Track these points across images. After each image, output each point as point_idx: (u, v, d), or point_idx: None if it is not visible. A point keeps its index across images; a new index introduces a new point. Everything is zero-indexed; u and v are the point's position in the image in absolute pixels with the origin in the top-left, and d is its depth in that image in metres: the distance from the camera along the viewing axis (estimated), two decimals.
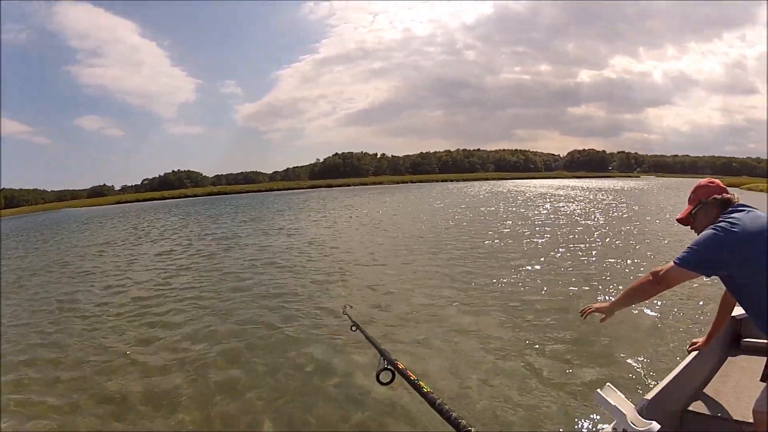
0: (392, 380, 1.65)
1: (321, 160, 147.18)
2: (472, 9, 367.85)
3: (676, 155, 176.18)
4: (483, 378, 5.65)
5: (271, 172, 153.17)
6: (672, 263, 2.60)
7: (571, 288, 9.36)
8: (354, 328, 2.73)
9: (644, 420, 2.33)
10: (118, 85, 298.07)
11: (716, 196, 2.81)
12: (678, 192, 46.95)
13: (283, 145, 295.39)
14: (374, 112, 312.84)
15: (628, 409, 2.36)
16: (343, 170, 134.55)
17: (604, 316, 2.96)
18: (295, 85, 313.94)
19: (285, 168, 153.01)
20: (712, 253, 2.53)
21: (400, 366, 1.74)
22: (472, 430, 1.24)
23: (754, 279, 2.43)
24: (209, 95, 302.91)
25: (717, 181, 2.96)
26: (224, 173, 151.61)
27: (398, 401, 5.04)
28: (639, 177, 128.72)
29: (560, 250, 13.40)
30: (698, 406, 3.21)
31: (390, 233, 18.89)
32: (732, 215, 2.64)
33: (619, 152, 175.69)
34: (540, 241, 15.27)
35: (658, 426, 2.26)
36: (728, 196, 2.82)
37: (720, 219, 2.65)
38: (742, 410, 3.05)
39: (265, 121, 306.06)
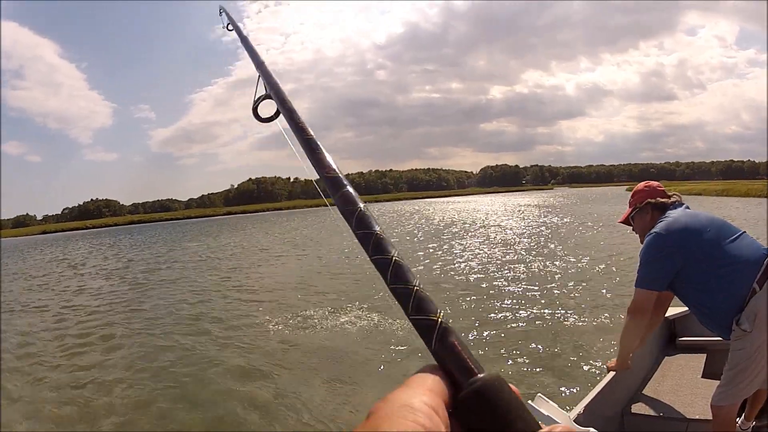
0: (276, 116, 1.01)
1: (235, 186, 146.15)
2: (382, 28, 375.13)
3: (591, 165, 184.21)
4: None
5: (186, 199, 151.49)
6: (635, 289, 2.75)
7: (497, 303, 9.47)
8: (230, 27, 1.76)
9: (581, 427, 1.90)
10: (38, 108, 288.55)
11: (649, 200, 2.89)
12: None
13: (198, 171, 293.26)
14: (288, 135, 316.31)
15: (562, 417, 1.86)
16: (257, 195, 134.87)
17: (619, 364, 3.12)
18: (208, 110, 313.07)
19: (200, 195, 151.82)
20: (659, 263, 2.66)
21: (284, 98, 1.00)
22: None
23: (699, 275, 2.55)
24: (124, 120, 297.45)
25: (654, 183, 3.03)
26: (141, 201, 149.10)
27: None
28: (553, 189, 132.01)
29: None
30: (639, 408, 3.16)
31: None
32: (667, 217, 2.74)
33: (533, 166, 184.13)
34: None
35: None
36: (662, 200, 2.88)
37: (658, 220, 2.77)
38: (684, 407, 3.04)
39: (180, 147, 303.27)
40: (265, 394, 5.99)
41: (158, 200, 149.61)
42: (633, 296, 2.76)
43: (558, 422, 1.44)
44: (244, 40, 1.33)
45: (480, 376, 0.46)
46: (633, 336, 2.95)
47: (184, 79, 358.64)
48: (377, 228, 0.56)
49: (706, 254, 2.54)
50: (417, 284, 0.49)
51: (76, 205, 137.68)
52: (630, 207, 3.08)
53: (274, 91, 0.97)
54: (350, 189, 0.62)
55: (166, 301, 12.49)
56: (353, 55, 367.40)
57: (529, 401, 1.47)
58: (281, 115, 0.92)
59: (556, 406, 1.59)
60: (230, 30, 1.61)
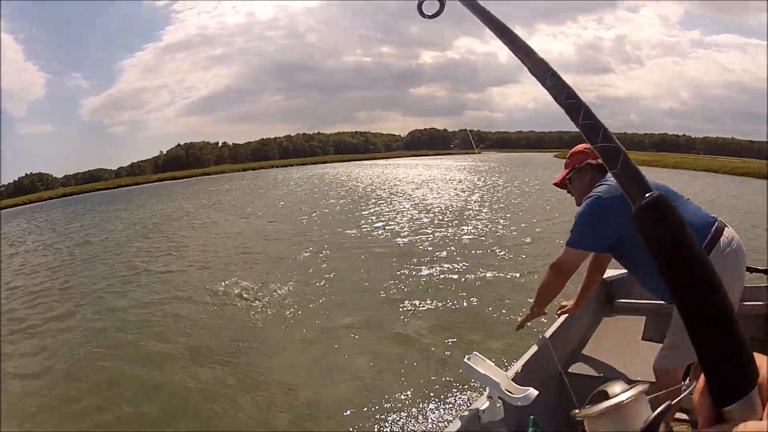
0: (440, 11, 1.16)
1: (164, 153, 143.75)
2: None
3: (521, 131, 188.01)
4: (349, 364, 5.86)
5: (116, 168, 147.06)
6: (565, 247, 2.70)
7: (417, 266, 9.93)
8: None
9: (520, 387, 2.29)
10: None
11: (590, 161, 2.80)
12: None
13: (128, 139, 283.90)
14: (216, 100, 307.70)
15: (500, 376, 2.32)
16: (185, 161, 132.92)
17: (528, 321, 3.12)
18: (137, 76, 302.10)
19: (130, 163, 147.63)
20: (595, 226, 2.58)
21: None
22: None
23: (639, 241, 1.69)
24: (57, 90, 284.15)
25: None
26: (72, 173, 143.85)
27: None
28: (480, 153, 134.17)
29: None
30: (578, 368, 3.19)
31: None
32: (607, 181, 2.64)
33: (461, 130, 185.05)
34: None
35: (536, 392, 2.23)
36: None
37: (598, 184, 2.67)
38: (625, 369, 3.06)
39: (110, 115, 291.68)
40: (175, 375, 6.02)
41: (89, 171, 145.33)
42: (561, 254, 2.74)
43: (495, 380, 2.26)
44: None
45: (654, 192, 0.58)
46: (551, 291, 2.93)
47: (116, 45, 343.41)
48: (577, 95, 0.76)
49: None
50: (603, 125, 0.67)
51: (12, 181, 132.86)
52: (567, 168, 2.97)
53: None
54: (545, 61, 0.80)
55: (98, 272, 12.58)
56: (285, 19, 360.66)
57: (465, 359, 2.36)
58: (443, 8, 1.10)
59: (492, 364, 2.39)
60: None
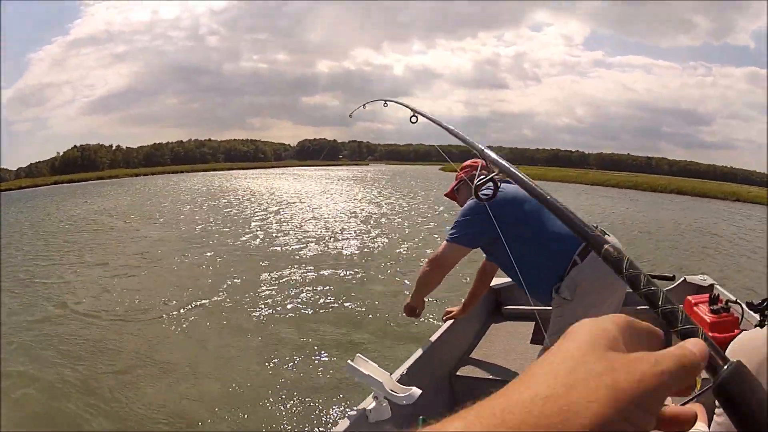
0: (495, 194, 1.28)
1: (60, 154, 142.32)
2: None
3: (410, 144, 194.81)
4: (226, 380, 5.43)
5: (16, 168, 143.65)
6: (444, 242, 2.76)
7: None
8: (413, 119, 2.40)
9: (404, 387, 2.36)
10: None
11: (475, 173, 2.84)
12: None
13: (30, 137, 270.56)
14: (115, 100, 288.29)
15: (383, 376, 2.36)
16: (81, 164, 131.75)
17: (417, 312, 3.07)
18: (44, 70, 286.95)
19: (28, 164, 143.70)
20: (475, 224, 2.67)
21: None
22: None
23: (517, 243, 2.47)
24: None
25: (481, 161, 3.04)
26: None
27: None
28: (368, 165, 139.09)
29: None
30: (467, 370, 3.25)
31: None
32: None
33: (351, 141, 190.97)
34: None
35: (420, 391, 2.31)
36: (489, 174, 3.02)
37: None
38: (513, 369, 3.14)
39: (15, 110, 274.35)
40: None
41: None
42: (440, 248, 2.76)
43: (379, 380, 2.32)
44: (456, 134, 1.65)
45: (733, 361, 0.54)
46: (429, 284, 2.93)
47: (29, 36, 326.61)
48: (610, 239, 0.91)
49: (528, 225, 2.59)
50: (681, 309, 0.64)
51: None
52: (457, 180, 3.12)
53: (500, 169, 1.14)
54: (572, 214, 0.83)
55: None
56: (188, 19, 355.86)
57: (348, 361, 2.42)
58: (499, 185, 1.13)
59: (375, 365, 2.43)
60: (414, 122, 2.18)
